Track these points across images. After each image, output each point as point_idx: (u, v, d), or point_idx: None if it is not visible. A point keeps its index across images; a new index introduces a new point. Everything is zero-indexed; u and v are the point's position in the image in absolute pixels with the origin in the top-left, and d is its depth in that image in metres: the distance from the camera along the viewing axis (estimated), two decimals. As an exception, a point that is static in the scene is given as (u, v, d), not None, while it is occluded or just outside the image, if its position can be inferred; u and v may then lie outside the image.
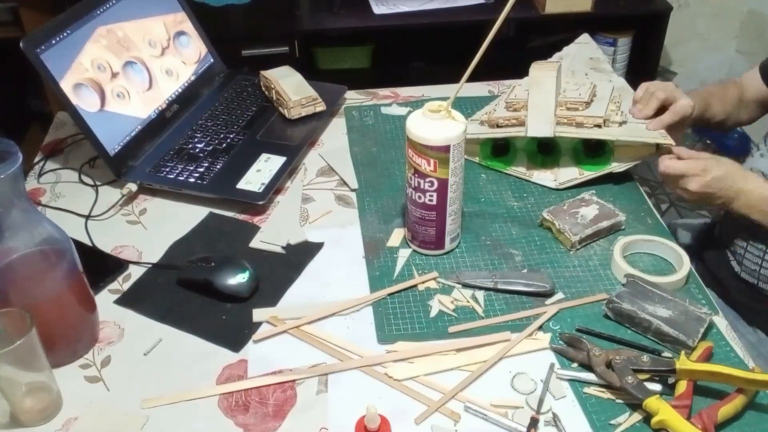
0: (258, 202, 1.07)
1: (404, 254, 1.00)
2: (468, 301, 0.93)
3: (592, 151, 1.11)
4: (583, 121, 1.08)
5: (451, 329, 0.89)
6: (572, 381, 0.83)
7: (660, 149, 1.07)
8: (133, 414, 0.80)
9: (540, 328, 0.89)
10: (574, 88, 1.13)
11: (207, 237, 1.05)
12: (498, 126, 1.13)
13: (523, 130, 1.08)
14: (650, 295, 0.89)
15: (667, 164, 1.01)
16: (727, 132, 1.27)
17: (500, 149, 1.16)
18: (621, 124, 1.08)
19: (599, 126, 1.07)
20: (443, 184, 0.93)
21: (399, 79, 1.50)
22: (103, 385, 0.84)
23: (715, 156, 1.03)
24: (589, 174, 1.11)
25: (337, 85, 1.35)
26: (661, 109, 1.10)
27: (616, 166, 1.10)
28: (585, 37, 1.36)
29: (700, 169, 0.99)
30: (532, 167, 1.14)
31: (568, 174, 1.12)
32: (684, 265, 0.95)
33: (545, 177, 1.13)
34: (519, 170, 1.14)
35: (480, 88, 1.38)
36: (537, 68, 1.09)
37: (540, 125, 1.07)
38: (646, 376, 0.81)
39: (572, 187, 1.11)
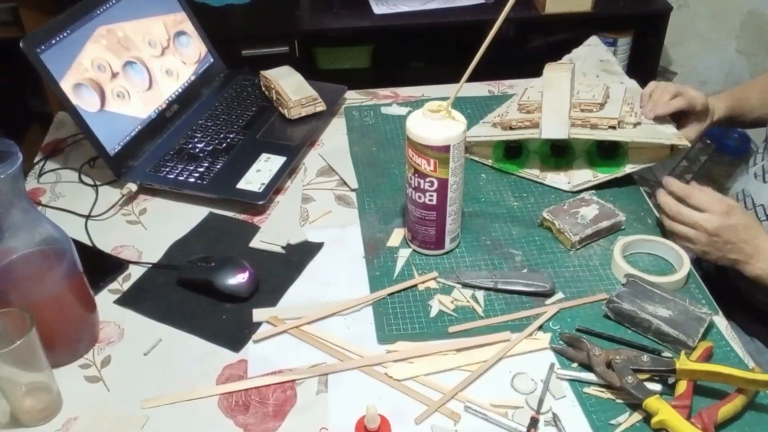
0: (258, 202, 1.07)
1: (404, 254, 1.00)
2: (468, 301, 0.93)
3: (606, 152, 1.10)
4: (598, 123, 1.07)
5: (451, 329, 0.89)
6: (572, 381, 0.83)
7: (674, 150, 1.06)
8: (133, 414, 0.80)
9: (540, 328, 0.89)
10: (587, 89, 1.13)
11: (207, 237, 1.05)
12: (511, 128, 1.12)
13: (537, 132, 1.08)
14: (650, 295, 0.89)
15: (673, 205, 0.91)
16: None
17: (513, 151, 1.15)
18: (635, 125, 1.08)
19: (614, 127, 1.07)
20: (443, 184, 0.93)
21: (399, 79, 1.50)
22: (103, 385, 0.84)
23: (728, 200, 0.92)
24: (603, 176, 1.10)
25: (337, 85, 1.35)
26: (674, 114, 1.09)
27: (630, 168, 1.09)
28: (594, 39, 1.35)
29: (722, 211, 0.87)
30: (546, 169, 1.13)
31: (582, 176, 1.11)
32: (684, 265, 0.95)
33: (559, 179, 1.12)
34: (532, 172, 1.14)
35: (480, 88, 1.38)
36: (551, 69, 1.08)
37: (554, 127, 1.06)
38: (646, 376, 0.81)
39: (585, 189, 1.10)
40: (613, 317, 0.89)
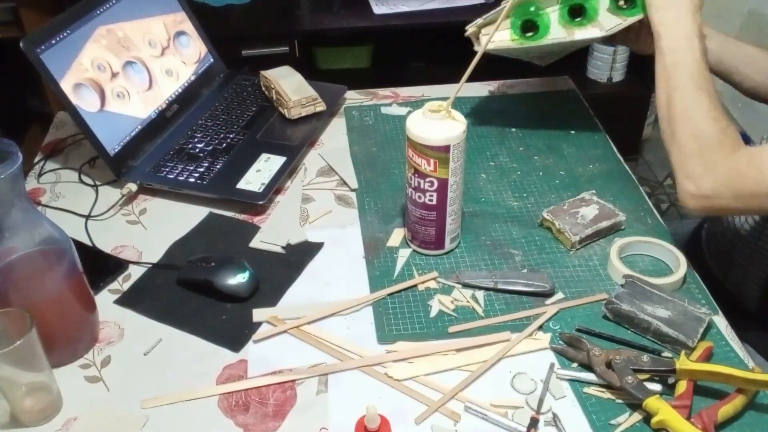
0: (258, 202, 1.08)
1: (404, 254, 1.00)
2: (468, 301, 0.93)
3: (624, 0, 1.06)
4: None
5: (451, 329, 0.89)
6: (572, 381, 0.83)
7: None
8: (133, 414, 0.80)
9: (540, 328, 0.89)
10: None
11: (207, 237, 1.05)
12: None
13: None
14: (649, 296, 0.89)
15: None
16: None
17: (528, 29, 1.09)
18: None
19: None
20: (443, 184, 0.93)
21: (399, 79, 1.50)
22: (103, 385, 0.84)
23: None
24: (631, 18, 1.05)
25: (337, 85, 1.35)
26: None
27: None
28: None
29: None
30: (571, 29, 1.08)
31: (611, 21, 1.06)
32: (681, 265, 0.95)
33: (588, 32, 1.07)
34: (558, 36, 1.08)
35: (480, 88, 1.38)
36: None
37: None
38: (646, 376, 0.81)
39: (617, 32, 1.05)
40: (612, 318, 0.89)
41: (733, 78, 1.14)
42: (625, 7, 1.06)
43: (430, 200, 0.94)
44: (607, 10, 1.08)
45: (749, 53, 1.13)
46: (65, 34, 1.09)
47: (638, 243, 1.00)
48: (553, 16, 1.10)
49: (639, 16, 1.05)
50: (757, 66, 1.13)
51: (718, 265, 1.14)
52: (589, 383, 0.82)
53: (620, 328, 0.89)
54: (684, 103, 0.92)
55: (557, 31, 1.10)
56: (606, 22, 1.07)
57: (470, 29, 1.11)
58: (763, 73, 1.13)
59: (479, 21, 1.11)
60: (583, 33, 1.09)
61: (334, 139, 1.26)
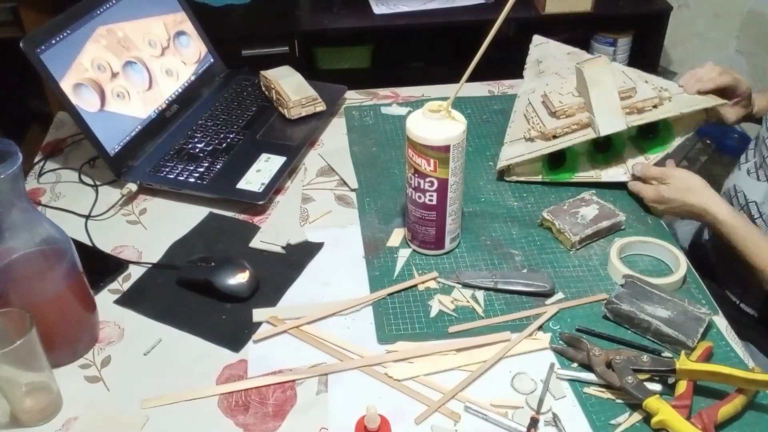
0: (258, 202, 1.08)
1: (404, 254, 1.00)
2: (468, 301, 0.93)
3: (645, 133, 1.09)
4: (643, 106, 1.06)
5: (451, 329, 0.89)
6: (572, 381, 0.83)
7: (710, 114, 1.09)
8: (133, 414, 0.80)
9: (540, 328, 0.89)
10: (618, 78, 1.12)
11: (207, 237, 1.05)
12: (555, 137, 1.08)
13: (590, 132, 1.05)
14: (649, 296, 0.89)
15: (633, 183, 1.06)
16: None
17: (556, 160, 1.11)
18: (669, 99, 1.07)
19: (656, 106, 1.06)
20: (443, 184, 0.93)
21: (399, 79, 1.50)
22: (103, 385, 0.84)
23: (683, 171, 1.02)
24: (655, 156, 1.09)
25: (337, 85, 1.35)
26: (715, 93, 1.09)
27: (677, 141, 1.09)
28: (537, 38, 1.34)
29: (658, 177, 1.02)
30: (597, 167, 1.11)
31: (635, 160, 1.09)
32: (681, 265, 0.95)
33: (615, 173, 1.10)
34: (587, 174, 1.11)
35: (480, 88, 1.38)
36: (589, 66, 1.06)
37: (612, 121, 1.05)
38: (646, 376, 0.81)
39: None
40: (612, 318, 0.89)
41: None
42: (649, 138, 1.10)
43: (430, 200, 0.94)
44: (630, 144, 1.11)
45: None
46: (65, 34, 1.09)
47: (638, 243, 1.00)
48: (581, 154, 1.12)
49: (665, 152, 1.09)
50: None
51: (718, 265, 1.14)
52: (589, 383, 0.82)
53: (620, 328, 0.89)
54: None
55: (584, 171, 1.12)
56: (631, 164, 1.10)
57: (501, 165, 1.13)
58: None
59: (510, 161, 1.12)
60: (608, 174, 1.10)
61: (334, 139, 1.26)
